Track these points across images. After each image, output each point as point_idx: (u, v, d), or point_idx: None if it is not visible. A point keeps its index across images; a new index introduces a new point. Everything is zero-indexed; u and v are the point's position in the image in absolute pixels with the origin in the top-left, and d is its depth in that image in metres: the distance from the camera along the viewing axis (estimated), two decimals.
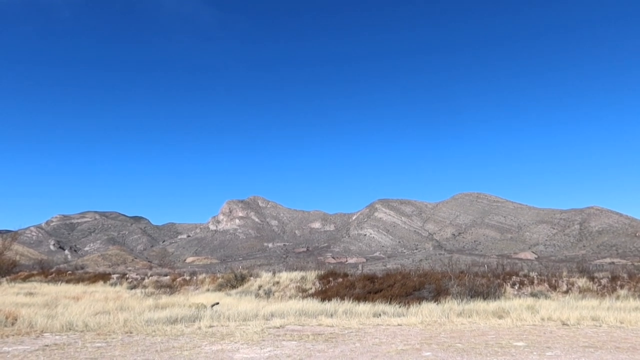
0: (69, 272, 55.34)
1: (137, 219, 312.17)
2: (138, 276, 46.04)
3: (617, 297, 21.38)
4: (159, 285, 36.51)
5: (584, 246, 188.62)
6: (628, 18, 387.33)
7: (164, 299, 23.16)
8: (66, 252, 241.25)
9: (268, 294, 29.36)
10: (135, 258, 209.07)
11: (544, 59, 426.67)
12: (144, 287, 37.10)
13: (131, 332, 11.54)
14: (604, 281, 25.85)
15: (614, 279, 26.08)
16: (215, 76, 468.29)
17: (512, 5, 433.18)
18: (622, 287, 24.68)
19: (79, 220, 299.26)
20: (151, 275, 45.43)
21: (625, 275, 27.09)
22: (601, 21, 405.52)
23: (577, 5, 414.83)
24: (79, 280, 44.98)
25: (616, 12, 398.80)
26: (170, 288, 34.51)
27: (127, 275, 46.90)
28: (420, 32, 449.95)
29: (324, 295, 23.64)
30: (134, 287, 37.29)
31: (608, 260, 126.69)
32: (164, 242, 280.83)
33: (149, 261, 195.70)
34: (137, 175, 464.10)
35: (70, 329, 11.93)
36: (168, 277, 42.35)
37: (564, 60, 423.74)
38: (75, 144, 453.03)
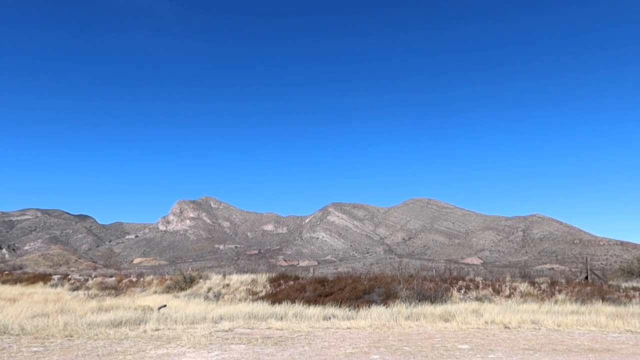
0: (6, 272, 52.51)
1: (82, 217, 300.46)
2: (81, 277, 44.31)
3: (556, 302, 22.38)
4: (104, 287, 35.24)
5: (527, 252, 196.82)
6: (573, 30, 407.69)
7: (109, 301, 22.39)
8: (4, 251, 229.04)
9: (217, 296, 28.89)
10: (79, 258, 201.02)
11: (498, 68, 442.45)
12: (88, 288, 35.75)
13: (72, 336, 11.05)
14: (543, 286, 26.97)
15: (553, 284, 27.25)
16: (170, 72, 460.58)
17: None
18: (560, 291, 25.83)
19: (18, 218, 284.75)
20: (95, 276, 43.80)
21: (563, 281, 28.40)
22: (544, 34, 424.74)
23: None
24: (16, 280, 42.82)
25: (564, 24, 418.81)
26: (116, 290, 33.39)
27: (70, 276, 45.03)
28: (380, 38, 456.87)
29: (275, 298, 23.50)
30: (76, 289, 35.85)
31: (548, 266, 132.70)
32: (110, 242, 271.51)
33: (93, 262, 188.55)
34: (83, 171, 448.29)
35: (5, 333, 11.31)
36: (113, 278, 40.95)
37: (505, 70, 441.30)
38: (15, 138, 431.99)
